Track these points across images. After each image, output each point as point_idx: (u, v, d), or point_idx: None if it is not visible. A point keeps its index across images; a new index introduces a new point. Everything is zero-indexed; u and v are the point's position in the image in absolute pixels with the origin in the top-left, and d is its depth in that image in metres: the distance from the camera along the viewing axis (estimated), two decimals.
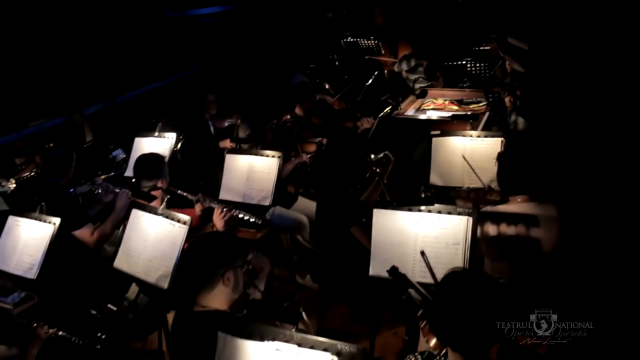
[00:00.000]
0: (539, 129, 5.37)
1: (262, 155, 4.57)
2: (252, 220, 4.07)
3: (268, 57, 9.02)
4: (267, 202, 4.48)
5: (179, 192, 4.20)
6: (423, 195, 3.84)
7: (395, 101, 5.38)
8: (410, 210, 3.15)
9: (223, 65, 8.77)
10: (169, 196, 3.86)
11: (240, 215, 4.04)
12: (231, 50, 9.06)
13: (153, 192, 4.01)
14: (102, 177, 4.90)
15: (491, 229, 3.30)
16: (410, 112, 5.55)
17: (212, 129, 6.22)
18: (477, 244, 3.26)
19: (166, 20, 8.22)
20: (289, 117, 5.54)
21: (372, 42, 7.72)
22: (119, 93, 6.84)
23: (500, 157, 3.50)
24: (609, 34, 6.41)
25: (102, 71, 6.65)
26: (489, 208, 3.41)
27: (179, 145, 5.64)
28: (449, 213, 3.09)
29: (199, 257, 2.64)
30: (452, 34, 7.92)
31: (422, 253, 2.77)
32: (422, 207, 3.12)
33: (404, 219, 3.18)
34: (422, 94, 5.71)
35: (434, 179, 4.26)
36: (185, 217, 3.49)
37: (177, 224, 3.50)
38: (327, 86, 7.60)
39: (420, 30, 7.91)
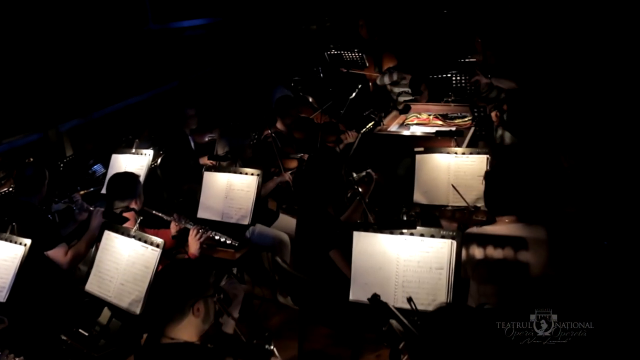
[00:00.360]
0: (526, 143, 5.29)
1: (240, 172, 4.45)
2: (228, 242, 3.93)
3: (251, 70, 8.89)
4: (246, 221, 4.36)
5: (153, 212, 4.06)
6: (405, 217, 3.71)
7: (378, 116, 5.26)
8: (391, 233, 3.02)
9: (204, 79, 8.63)
10: (141, 217, 3.70)
11: (217, 237, 3.90)
12: (213, 63, 8.93)
13: (126, 214, 3.85)
14: (82, 192, 4.81)
15: (477, 252, 3.19)
16: (393, 128, 5.43)
17: (192, 144, 6.08)
18: (463, 267, 3.16)
19: (148, 32, 8.07)
20: (269, 132, 5.42)
21: (356, 54, 7.59)
22: (97, 108, 6.66)
23: (488, 176, 3.37)
24: (596, 49, 6.41)
25: (80, 85, 6.48)
26: (475, 229, 3.29)
27: (159, 161, 5.51)
28: (432, 236, 2.97)
29: (167, 287, 2.51)
30: (438, 45, 7.86)
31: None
32: (404, 230, 2.99)
33: (385, 242, 3.05)
34: (405, 109, 5.59)
35: (418, 197, 4.14)
36: (159, 240, 3.37)
37: (150, 247, 3.39)
38: (310, 99, 7.49)
39: (404, 42, 7.82)
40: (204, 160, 5.60)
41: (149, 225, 4.19)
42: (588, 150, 4.91)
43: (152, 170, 5.44)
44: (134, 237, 3.47)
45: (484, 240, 3.19)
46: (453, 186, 3.94)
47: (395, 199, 4.52)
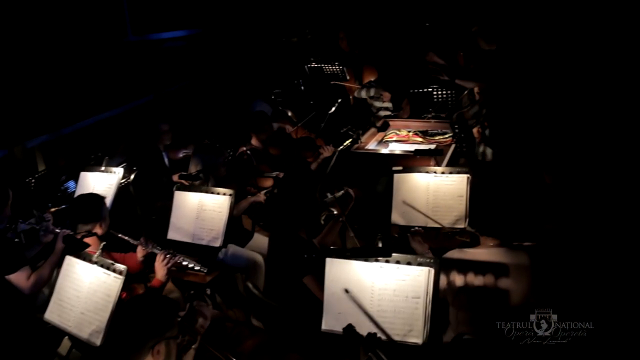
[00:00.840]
0: (507, 160, 5.16)
1: (212, 192, 4.27)
2: (196, 268, 3.75)
3: (230, 83, 8.72)
4: (217, 243, 4.18)
5: (119, 235, 3.87)
6: (380, 244, 3.53)
7: (356, 134, 5.09)
8: (366, 260, 2.85)
9: (181, 93, 8.44)
10: (104, 242, 3.51)
11: (185, 263, 3.71)
12: (191, 76, 8.74)
13: (88, 239, 3.65)
14: (53, 209, 4.63)
15: (458, 279, 3.06)
16: (371, 146, 5.27)
17: (166, 160, 5.90)
18: (443, 293, 3.06)
19: (126, 44, 7.89)
20: (245, 149, 5.25)
21: (337, 67, 7.47)
22: (68, 123, 6.44)
23: (473, 195, 3.23)
24: (578, 65, 6.33)
25: (50, 99, 6.26)
26: (455, 254, 3.15)
27: (132, 177, 5.34)
28: (409, 263, 2.80)
29: (127, 324, 2.32)
30: (419, 59, 7.74)
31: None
32: (379, 257, 2.82)
33: (360, 270, 2.88)
34: (384, 127, 5.41)
35: (395, 218, 3.98)
36: (121, 267, 3.18)
37: (113, 274, 3.20)
38: (289, 113, 7.34)
39: (385, 55, 7.70)
40: (177, 178, 5.42)
41: (115, 248, 4.01)
42: (571, 166, 4.80)
43: (124, 187, 5.30)
44: (95, 263, 3.28)
45: (465, 267, 3.06)
46: (427, 216, 3.77)
47: (375, 218, 4.35)
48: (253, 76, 8.46)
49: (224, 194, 4.21)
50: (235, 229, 4.83)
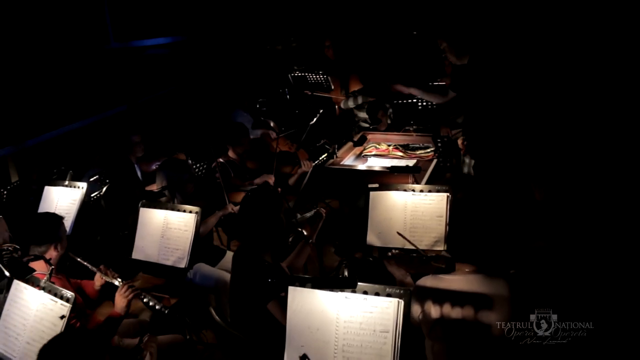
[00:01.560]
0: (490, 174, 4.92)
1: (178, 210, 4.02)
2: (157, 307, 3.46)
3: (211, 92, 8.48)
4: (182, 264, 3.94)
5: (78, 259, 3.62)
6: (346, 273, 3.27)
7: (332, 148, 4.84)
8: (331, 289, 2.61)
9: (156, 102, 8.17)
10: (53, 267, 3.25)
11: (145, 300, 3.44)
12: (170, 85, 8.50)
13: (34, 263, 3.39)
14: None
15: (434, 310, 2.82)
16: (348, 160, 5.00)
17: (139, 173, 5.65)
18: (418, 323, 2.85)
19: (108, 51, 7.67)
20: (221, 160, 5.02)
21: (321, 77, 7.24)
22: (37, 134, 6.18)
23: (452, 218, 3.00)
24: (567, 76, 6.15)
25: (17, 109, 6.01)
26: (430, 282, 2.92)
27: (103, 191, 5.14)
28: (377, 294, 2.56)
29: None
30: (406, 68, 7.55)
31: None
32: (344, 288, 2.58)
33: (324, 300, 2.64)
34: (361, 141, 5.13)
35: (371, 239, 3.73)
36: (69, 294, 2.95)
37: (59, 301, 2.96)
38: (272, 124, 7.11)
39: (371, 64, 7.49)
40: (153, 187, 5.18)
41: (75, 273, 3.76)
42: (562, 180, 4.61)
43: (95, 201, 5.12)
44: (43, 288, 3.04)
45: (441, 296, 2.83)
46: (398, 233, 3.53)
47: (356, 235, 4.10)
48: (235, 85, 8.20)
49: (190, 212, 3.97)
50: (206, 247, 4.59)
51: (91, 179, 5.48)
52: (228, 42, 9.20)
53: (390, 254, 3.36)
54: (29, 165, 6.12)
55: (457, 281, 2.85)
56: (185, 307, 4.21)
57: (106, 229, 5.33)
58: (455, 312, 2.77)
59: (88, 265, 3.62)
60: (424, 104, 5.79)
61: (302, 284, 2.65)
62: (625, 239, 3.78)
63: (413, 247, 3.51)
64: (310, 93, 7.22)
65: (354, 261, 3.66)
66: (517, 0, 7.02)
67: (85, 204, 4.88)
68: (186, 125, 7.48)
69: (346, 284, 2.51)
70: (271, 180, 4.73)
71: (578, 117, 5.93)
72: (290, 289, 2.70)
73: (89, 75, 7.16)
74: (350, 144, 5.24)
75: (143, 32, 8.66)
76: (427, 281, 2.93)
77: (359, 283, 2.57)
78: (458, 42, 4.75)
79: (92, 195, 5.37)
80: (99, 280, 3.60)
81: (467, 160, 5.27)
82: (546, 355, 2.64)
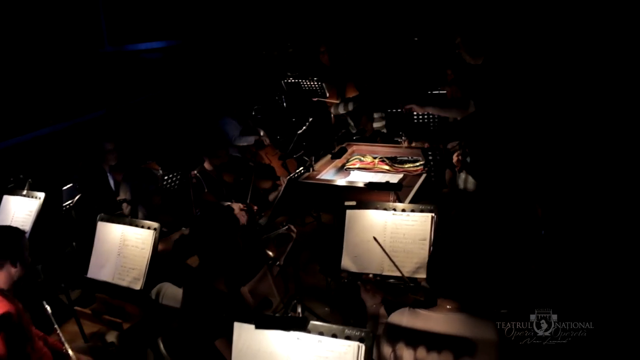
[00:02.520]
0: (492, 190, 4.52)
1: (136, 225, 3.63)
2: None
3: (200, 98, 8.12)
4: (137, 286, 3.55)
5: (48, 311, 3.22)
6: (299, 309, 2.84)
7: (309, 160, 4.42)
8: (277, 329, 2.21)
9: (140, 107, 7.80)
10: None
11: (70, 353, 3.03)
12: (159, 89, 8.15)
13: None
14: None
15: (407, 354, 2.43)
16: (328, 174, 4.55)
17: (111, 182, 5.29)
18: None
19: (102, 55, 7.41)
20: (195, 172, 4.65)
21: (316, 83, 6.88)
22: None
23: (436, 242, 2.62)
24: (570, 86, 5.84)
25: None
26: (406, 317, 2.50)
27: (75, 200, 4.97)
28: (334, 336, 2.16)
29: None
30: (406, 75, 7.19)
31: None
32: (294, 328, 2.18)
33: (274, 340, 2.24)
34: (339, 153, 4.67)
35: (346, 263, 3.30)
36: None
37: None
38: (261, 132, 6.74)
39: (367, 71, 7.11)
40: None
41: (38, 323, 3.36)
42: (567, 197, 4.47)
43: (66, 211, 4.95)
44: None
45: (416, 338, 2.43)
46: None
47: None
48: (225, 91, 7.85)
49: (149, 228, 3.58)
50: (174, 265, 4.20)
51: (64, 187, 5.21)
52: (223, 47, 8.90)
53: (370, 275, 2.94)
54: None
55: (436, 320, 2.44)
56: (141, 334, 3.85)
57: (76, 240, 5.03)
58: (431, 358, 2.37)
59: (53, 321, 3.20)
60: (420, 115, 5.40)
61: (248, 320, 2.25)
62: (625, 239, 3.77)
63: (394, 275, 3.09)
64: (315, 100, 6.86)
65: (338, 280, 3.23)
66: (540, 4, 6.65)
67: (54, 214, 4.70)
68: (165, 132, 7.11)
69: (295, 325, 2.11)
70: (237, 207, 4.36)
71: (594, 128, 5.58)
72: (236, 325, 2.30)
73: (71, 78, 6.88)
74: (326, 157, 4.79)
75: (137, 36, 8.47)
76: (403, 317, 2.52)
77: (313, 322, 2.17)
78: (475, 40, 4.35)
79: (64, 204, 5.07)
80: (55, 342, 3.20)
81: (462, 175, 4.86)
82: (546, 355, 2.60)
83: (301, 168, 4.27)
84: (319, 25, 8.35)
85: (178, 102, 7.94)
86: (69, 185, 5.23)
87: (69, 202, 5.12)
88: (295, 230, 3.32)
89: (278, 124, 7.63)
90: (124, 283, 3.60)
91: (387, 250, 3.20)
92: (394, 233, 3.24)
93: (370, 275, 3.00)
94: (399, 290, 2.84)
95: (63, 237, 5.05)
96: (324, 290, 4.69)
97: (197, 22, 8.91)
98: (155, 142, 6.62)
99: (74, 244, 5.12)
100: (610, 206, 4.28)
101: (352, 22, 8.20)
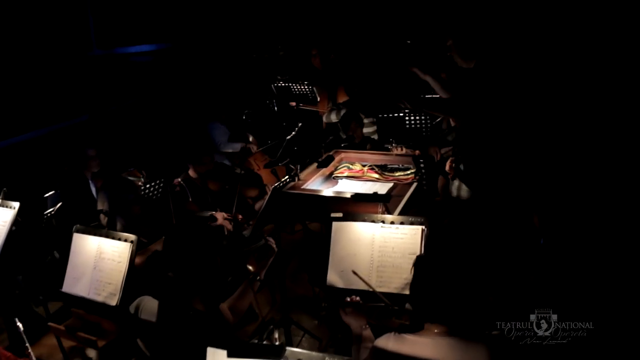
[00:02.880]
0: (486, 199, 4.36)
1: (113, 237, 3.47)
2: None
3: (188, 102, 7.96)
4: (113, 302, 3.38)
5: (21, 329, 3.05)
6: (276, 336, 2.66)
7: (295, 169, 4.24)
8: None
9: (125, 112, 7.62)
10: None
11: None
12: (145, 94, 7.97)
13: None
14: None
15: None
16: (314, 183, 4.33)
17: (93, 190, 5.13)
18: None
19: (90, 58, 7.26)
20: (179, 180, 4.49)
21: (306, 87, 6.72)
22: None
23: (418, 264, 2.43)
24: (567, 93, 5.72)
25: None
26: (391, 343, 2.34)
27: (57, 208, 4.71)
28: None
29: None
30: (397, 79, 7.03)
31: None
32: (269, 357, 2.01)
33: None
34: (326, 162, 4.47)
35: (332, 278, 3.13)
36: None
37: None
38: (250, 138, 6.58)
39: (359, 74, 6.96)
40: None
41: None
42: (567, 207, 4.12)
43: (47, 219, 4.71)
44: None
45: None
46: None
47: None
48: (214, 95, 7.69)
49: (125, 240, 3.41)
50: (154, 277, 4.04)
51: (47, 195, 5.05)
52: (214, 50, 8.75)
53: (348, 299, 2.77)
54: None
55: (424, 345, 2.28)
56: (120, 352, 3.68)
57: (58, 250, 4.88)
58: None
59: (25, 340, 3.03)
60: (412, 120, 5.24)
61: (220, 346, 2.09)
62: (625, 239, 3.73)
63: (376, 292, 2.91)
64: (295, 106, 6.70)
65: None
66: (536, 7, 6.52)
67: (34, 223, 4.58)
68: (150, 138, 6.94)
69: (271, 353, 1.95)
70: (221, 216, 4.19)
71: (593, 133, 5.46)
72: (210, 350, 2.15)
73: (57, 82, 6.72)
74: (312, 166, 4.60)
75: (127, 39, 8.32)
76: (388, 342, 2.35)
77: (290, 349, 2.01)
78: (466, 42, 4.20)
79: (45, 212, 4.91)
80: None
81: (455, 182, 4.71)
82: (546, 355, 2.59)
83: (286, 177, 4.10)
84: (311, 27, 8.19)
85: (167, 106, 7.77)
86: (51, 193, 5.07)
87: (51, 210, 4.97)
88: (275, 242, 3.14)
89: (269, 128, 7.46)
90: (99, 298, 3.44)
91: (374, 266, 3.05)
92: (382, 247, 3.08)
93: (354, 297, 2.81)
94: (382, 313, 2.67)
95: (44, 247, 4.90)
96: (313, 301, 4.57)
97: (188, 25, 8.76)
98: (139, 148, 6.45)
99: (55, 253, 4.97)
100: (609, 207, 4.19)
101: (344, 25, 8.04)
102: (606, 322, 2.74)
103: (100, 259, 3.49)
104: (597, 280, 3.25)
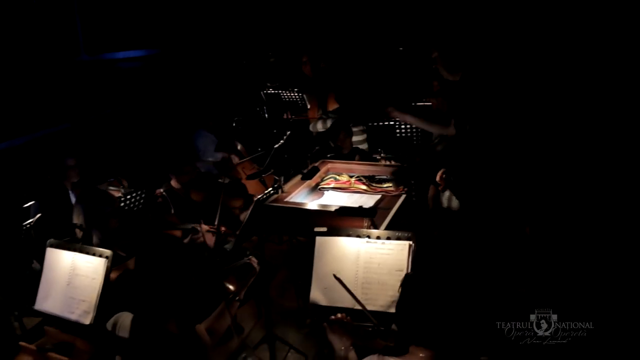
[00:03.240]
0: (477, 210, 4.24)
1: (87, 252, 3.31)
2: None
3: (174, 110, 7.82)
4: (87, 320, 3.23)
5: None
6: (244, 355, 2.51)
7: (279, 181, 4.10)
8: None
9: (108, 120, 7.48)
10: None
11: None
12: (133, 101, 7.84)
13: None
14: None
15: None
16: (299, 195, 4.17)
17: (73, 200, 4.98)
18: None
19: (78, 64, 7.15)
20: (161, 191, 4.34)
21: (296, 95, 6.61)
22: None
23: (405, 283, 2.28)
24: (559, 99, 5.67)
25: None
26: None
27: (35, 219, 4.54)
28: None
29: None
30: (389, 86, 6.95)
31: None
32: None
33: None
34: (310, 173, 4.32)
35: (315, 295, 2.98)
36: None
37: None
38: (239, 146, 6.44)
39: (350, 82, 6.85)
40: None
41: None
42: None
43: (26, 230, 4.56)
44: None
45: None
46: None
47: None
48: (201, 102, 7.56)
49: (100, 256, 3.25)
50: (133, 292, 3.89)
51: (27, 204, 4.92)
52: (204, 56, 8.64)
53: (333, 317, 2.63)
54: None
55: None
56: None
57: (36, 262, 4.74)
58: None
59: None
60: (403, 129, 5.11)
61: None
62: (625, 239, 3.77)
63: (361, 304, 2.77)
64: (289, 118, 6.59)
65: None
66: (521, 16, 6.46)
67: (13, 234, 4.49)
68: (133, 147, 6.79)
69: None
70: (203, 229, 4.05)
71: (580, 142, 5.38)
72: None
73: (42, 88, 6.59)
74: (296, 178, 4.44)
75: (116, 44, 8.23)
76: None
77: None
78: (452, 55, 4.08)
79: (24, 224, 4.78)
80: None
81: (446, 193, 4.58)
82: (546, 355, 2.60)
83: (270, 189, 3.96)
84: (302, 34, 8.10)
85: (153, 113, 7.63)
86: (32, 202, 4.93)
87: (30, 221, 4.83)
88: (257, 262, 3.00)
89: (259, 136, 7.34)
90: (73, 316, 3.28)
91: (359, 282, 2.90)
92: (367, 263, 2.94)
93: (339, 315, 2.68)
94: (367, 334, 2.53)
95: (22, 259, 4.77)
96: (299, 314, 4.43)
97: (178, 30, 8.67)
98: (122, 157, 6.31)
99: (35, 263, 4.83)
100: (607, 209, 4.27)
101: (336, 32, 7.95)
102: (606, 322, 2.75)
103: (74, 275, 3.33)
104: (597, 280, 3.27)
